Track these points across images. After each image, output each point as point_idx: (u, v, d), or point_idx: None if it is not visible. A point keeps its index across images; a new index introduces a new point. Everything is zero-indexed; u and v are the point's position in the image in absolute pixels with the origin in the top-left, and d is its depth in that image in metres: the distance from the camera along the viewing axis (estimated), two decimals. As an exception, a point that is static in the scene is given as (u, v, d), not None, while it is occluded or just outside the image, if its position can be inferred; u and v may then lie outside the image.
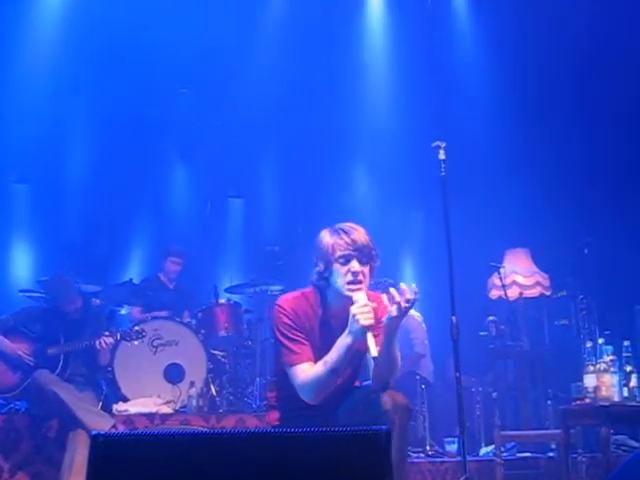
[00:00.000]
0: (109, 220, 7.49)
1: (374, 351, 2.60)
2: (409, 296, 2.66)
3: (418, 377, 5.84)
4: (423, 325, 6.27)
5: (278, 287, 6.74)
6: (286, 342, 2.80)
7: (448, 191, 3.60)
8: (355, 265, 2.78)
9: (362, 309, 2.67)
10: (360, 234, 2.83)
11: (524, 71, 7.40)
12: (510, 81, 7.57)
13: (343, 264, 2.79)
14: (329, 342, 2.82)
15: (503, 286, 6.11)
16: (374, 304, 2.70)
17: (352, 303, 2.81)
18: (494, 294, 6.69)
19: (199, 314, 6.29)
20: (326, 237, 2.84)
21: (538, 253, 6.94)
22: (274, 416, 2.94)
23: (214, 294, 6.29)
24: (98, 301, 5.76)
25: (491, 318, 5.93)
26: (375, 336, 2.66)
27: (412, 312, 6.24)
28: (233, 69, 7.64)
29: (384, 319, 2.72)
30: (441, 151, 3.71)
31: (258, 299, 6.56)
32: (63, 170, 7.59)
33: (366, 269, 2.81)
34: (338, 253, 2.79)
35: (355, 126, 8.18)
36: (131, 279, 6.47)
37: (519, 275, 6.71)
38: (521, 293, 6.66)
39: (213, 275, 7.25)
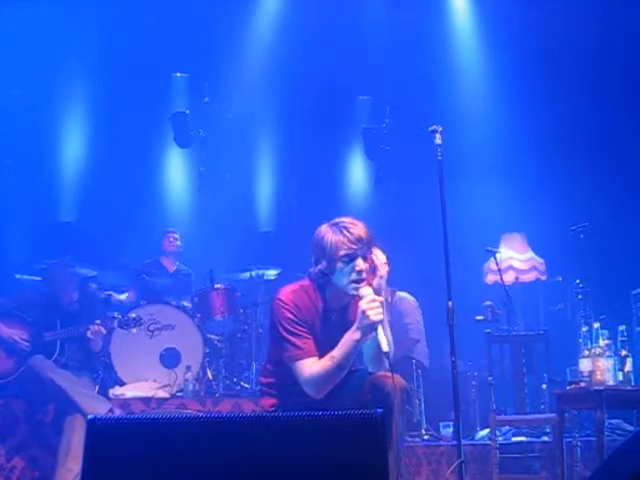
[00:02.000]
0: (106, 201, 7.49)
1: (385, 346, 2.63)
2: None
3: (414, 361, 5.82)
4: (418, 310, 6.23)
5: (275, 271, 6.73)
6: (289, 337, 2.80)
7: (445, 175, 3.58)
8: (360, 263, 2.78)
9: (371, 304, 2.69)
10: (362, 230, 2.82)
11: (522, 50, 7.39)
12: (507, 60, 7.56)
13: (347, 262, 2.78)
14: (330, 338, 2.83)
15: (499, 271, 6.10)
16: (381, 298, 2.72)
17: (352, 299, 2.86)
18: (490, 279, 6.69)
19: (195, 298, 6.29)
20: (328, 235, 2.81)
21: (534, 238, 6.95)
22: (269, 402, 2.95)
23: (210, 278, 6.29)
24: (95, 286, 5.77)
25: (487, 303, 5.92)
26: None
27: (407, 296, 6.28)
28: (226, 50, 7.67)
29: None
30: (437, 135, 3.69)
31: (254, 284, 6.57)
32: (58, 149, 7.54)
33: (368, 265, 2.82)
34: (342, 252, 2.78)
35: (350, 106, 8.16)
36: (127, 263, 6.45)
37: (515, 260, 6.71)
38: (517, 278, 6.68)
39: (209, 259, 7.19)
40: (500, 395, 5.33)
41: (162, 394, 5.50)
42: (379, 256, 2.83)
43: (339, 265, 2.78)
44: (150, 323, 5.77)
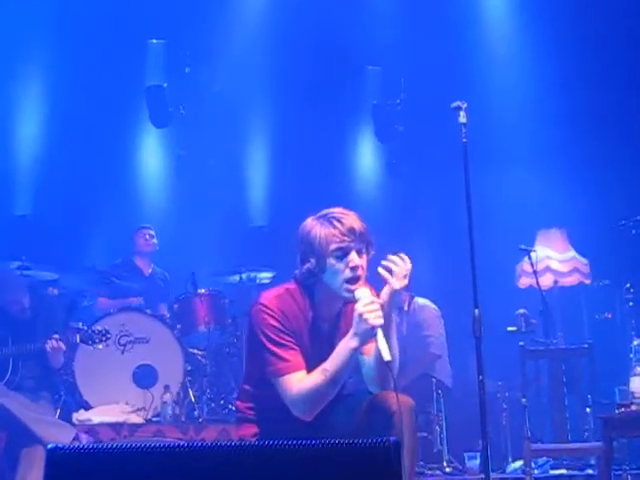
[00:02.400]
0: (68, 191, 7.52)
1: (387, 354, 2.65)
2: (407, 266, 2.78)
3: (434, 380, 5.85)
4: (441, 320, 6.28)
5: (269, 274, 6.76)
6: (274, 348, 2.82)
7: (470, 161, 3.56)
8: (354, 258, 2.82)
9: (370, 307, 2.71)
10: (355, 220, 2.86)
11: (558, 18, 7.40)
12: (541, 28, 7.58)
13: (339, 258, 2.83)
14: (320, 350, 2.87)
15: (535, 273, 6.09)
16: (381, 300, 2.75)
17: (345, 306, 2.90)
18: (524, 282, 6.69)
19: (175, 306, 6.35)
20: (315, 228, 2.86)
21: (576, 234, 6.95)
22: (249, 431, 2.97)
23: (192, 282, 6.35)
24: (55, 291, 5.79)
25: (520, 311, 5.94)
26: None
27: (428, 303, 6.32)
28: (210, 12, 7.66)
29: (381, 296, 2.80)
30: (462, 113, 3.66)
31: (244, 288, 6.62)
32: (10, 130, 7.55)
33: (364, 260, 2.85)
34: (333, 246, 2.82)
35: (358, 78, 8.18)
36: (94, 265, 6.47)
37: (553, 260, 6.71)
38: (556, 281, 6.67)
39: (191, 261, 7.23)
40: (536, 420, 5.30)
41: (135, 419, 5.52)
42: (401, 261, 2.83)
43: (330, 262, 2.82)
44: (121, 335, 5.81)
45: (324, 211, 2.91)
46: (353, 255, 2.82)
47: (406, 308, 6.28)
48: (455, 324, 6.08)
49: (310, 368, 2.82)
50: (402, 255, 2.79)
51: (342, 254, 2.83)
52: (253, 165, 8.43)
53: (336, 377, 2.76)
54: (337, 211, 2.89)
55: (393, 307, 2.81)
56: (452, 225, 7.48)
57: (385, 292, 2.79)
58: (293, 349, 2.83)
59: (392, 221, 7.65)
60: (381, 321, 2.69)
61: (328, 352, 2.81)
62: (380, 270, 2.78)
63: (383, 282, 2.81)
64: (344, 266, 2.82)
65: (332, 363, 2.76)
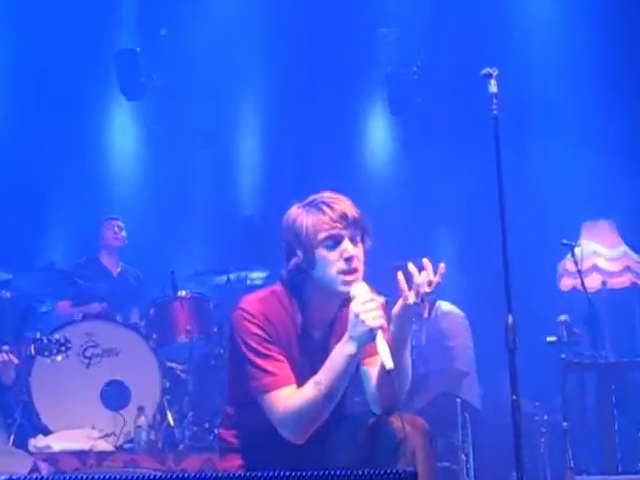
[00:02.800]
0: (20, 175, 7.53)
1: (389, 361, 2.66)
2: (432, 278, 2.75)
3: (459, 401, 5.75)
4: (468, 330, 6.32)
5: (261, 274, 6.78)
6: (257, 360, 2.87)
7: (502, 139, 3.52)
8: (348, 247, 2.87)
9: (368, 305, 2.74)
10: (347, 205, 2.92)
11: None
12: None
13: (330, 248, 2.88)
14: (311, 359, 2.92)
15: (579, 272, 6.05)
16: (381, 298, 2.81)
17: (338, 303, 2.95)
18: (566, 284, 6.66)
19: (150, 311, 6.36)
20: (301, 216, 2.92)
21: (628, 226, 6.93)
22: (234, 462, 3.02)
23: (170, 283, 6.36)
24: (8, 294, 5.81)
25: (562, 318, 5.86)
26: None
27: (453, 309, 6.31)
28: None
29: (394, 310, 2.82)
30: (492, 82, 3.61)
31: (233, 291, 6.62)
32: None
33: (360, 251, 2.92)
34: (322, 234, 2.88)
35: (369, 42, 8.19)
36: (52, 263, 6.46)
37: (601, 257, 6.65)
38: (604, 282, 6.61)
39: (170, 258, 7.30)
40: (580, 447, 5.34)
41: (104, 446, 5.51)
42: (426, 271, 2.81)
43: (320, 253, 2.88)
44: (86, 347, 5.80)
45: (311, 197, 2.96)
46: (346, 243, 2.87)
47: (426, 315, 6.14)
48: (484, 334, 6.02)
49: (301, 382, 2.85)
50: (427, 263, 2.78)
51: (333, 243, 2.88)
52: (243, 144, 8.46)
53: (331, 390, 2.78)
54: (326, 195, 2.95)
55: (406, 325, 2.83)
56: (480, 215, 7.47)
57: (397, 306, 2.81)
58: (280, 361, 2.87)
59: (408, 210, 7.73)
60: (381, 322, 2.72)
61: (321, 363, 2.84)
62: (400, 277, 2.78)
63: (398, 292, 2.82)
64: (337, 256, 2.87)
65: (326, 373, 2.79)
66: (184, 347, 6.30)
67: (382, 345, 2.70)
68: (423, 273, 2.76)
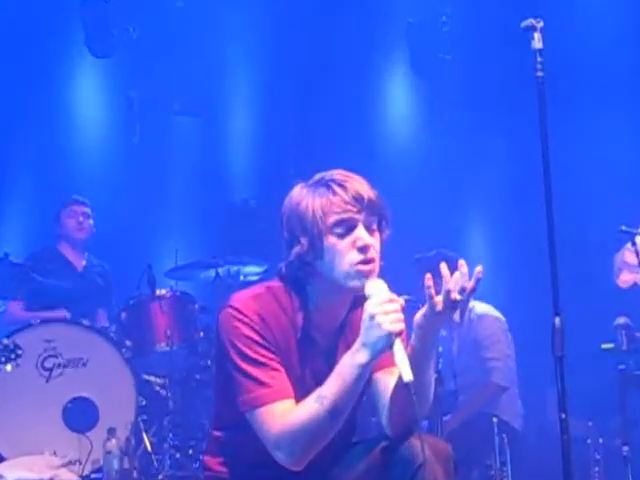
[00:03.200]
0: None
1: (408, 372, 2.68)
2: (467, 284, 2.78)
3: (496, 421, 5.69)
4: (508, 336, 6.35)
5: (257, 268, 6.77)
6: (248, 368, 2.89)
7: (548, 104, 3.48)
8: (362, 234, 2.90)
9: (386, 306, 2.74)
10: (362, 184, 2.96)
11: None
12: None
13: (341, 235, 2.90)
14: (313, 369, 2.99)
15: (641, 265, 6.03)
16: (401, 299, 2.80)
17: (349, 303, 3.00)
18: (626, 279, 6.64)
19: (123, 314, 6.37)
20: (307, 198, 2.96)
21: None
22: None
23: (148, 280, 6.35)
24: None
25: (620, 320, 5.86)
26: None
27: (490, 311, 6.35)
28: None
29: (417, 318, 2.85)
30: (536, 36, 3.57)
31: (223, 288, 6.62)
32: None
33: (377, 241, 2.95)
34: (332, 218, 2.90)
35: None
36: (6, 254, 6.36)
37: (669, 248, 6.66)
38: (672, 277, 6.64)
39: (147, 248, 7.35)
40: (644, 477, 5.34)
41: (67, 476, 5.48)
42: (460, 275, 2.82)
43: (329, 241, 2.90)
44: (46, 356, 5.79)
45: (318, 175, 2.99)
46: (361, 230, 2.89)
47: (458, 319, 6.21)
48: (527, 340, 6.12)
49: (300, 396, 2.86)
50: (463, 265, 2.79)
51: (345, 229, 2.89)
52: (236, 112, 8.50)
53: (337, 406, 2.78)
54: (337, 173, 2.96)
55: (433, 336, 2.87)
56: (520, 197, 7.54)
57: (421, 314, 2.84)
58: (276, 370, 2.90)
59: (433, 192, 7.78)
60: (401, 326, 2.72)
61: (325, 374, 2.86)
62: (428, 281, 2.78)
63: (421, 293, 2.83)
64: (349, 245, 2.88)
65: (331, 386, 2.79)
66: (164, 357, 6.24)
67: (400, 353, 2.70)
68: (456, 276, 2.77)
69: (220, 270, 6.67)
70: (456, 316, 6.85)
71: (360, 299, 2.87)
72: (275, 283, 3.02)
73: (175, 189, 7.88)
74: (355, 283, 2.86)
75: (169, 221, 7.71)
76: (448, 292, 2.75)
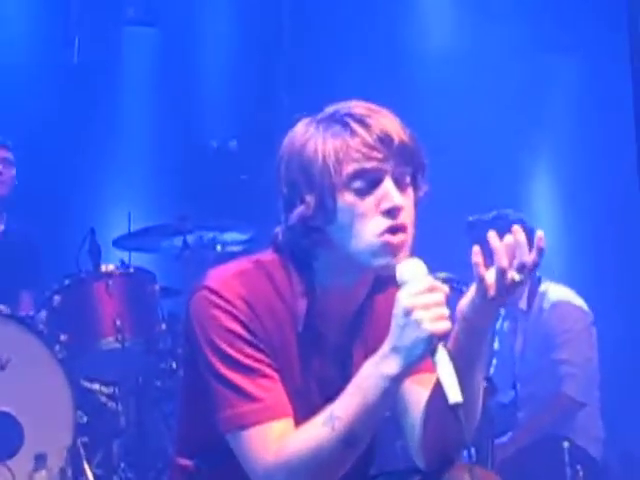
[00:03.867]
0: None
1: (456, 392, 2.67)
2: (527, 256, 2.75)
3: (567, 446, 5.78)
4: (591, 330, 6.37)
5: (240, 235, 6.79)
6: (232, 374, 2.90)
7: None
8: (392, 191, 2.88)
9: (427, 297, 2.73)
10: (392, 122, 2.93)
11: None
12: None
13: (362, 192, 2.89)
14: (319, 375, 3.02)
15: None
16: (445, 286, 2.79)
17: (369, 283, 3.01)
18: None
19: (56, 298, 6.32)
20: (315, 138, 2.93)
21: None
22: None
23: (91, 251, 6.40)
24: None
25: None
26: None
27: (566, 296, 6.36)
28: None
29: (461, 306, 2.86)
30: None
31: (194, 263, 6.71)
32: None
33: (410, 200, 2.94)
34: (352, 168, 2.88)
35: None
36: None
37: None
38: None
39: (90, 209, 7.39)
40: None
41: (-23, 522, 5.54)
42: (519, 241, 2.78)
43: (345, 199, 2.88)
44: (-50, 355, 5.84)
45: (330, 108, 2.97)
46: (389, 185, 2.86)
47: (524, 306, 6.32)
48: (612, 338, 6.19)
49: (301, 414, 2.89)
50: (518, 231, 2.75)
51: (368, 184, 2.87)
52: (209, 19, 8.55)
53: (354, 432, 2.79)
54: (356, 106, 2.94)
55: (483, 330, 2.88)
56: (600, 141, 7.46)
57: (467, 300, 2.84)
58: (269, 377, 2.90)
59: (484, 132, 7.87)
60: (447, 326, 2.70)
61: (336, 384, 2.90)
62: (476, 255, 2.76)
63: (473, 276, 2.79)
64: (372, 206, 2.86)
65: (347, 404, 2.79)
66: (112, 357, 6.24)
67: (445, 363, 2.68)
68: (507, 241, 2.74)
69: (189, 238, 6.72)
70: (522, 303, 6.85)
71: (386, 279, 2.90)
72: (268, 256, 3.02)
73: (127, 127, 7.97)
74: (380, 261, 2.84)
75: (120, 171, 7.79)
76: (502, 271, 2.71)
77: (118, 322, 6.19)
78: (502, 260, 2.70)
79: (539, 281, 6.30)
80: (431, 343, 2.67)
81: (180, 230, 6.67)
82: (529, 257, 2.73)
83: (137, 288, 6.40)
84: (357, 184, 2.85)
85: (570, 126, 8.15)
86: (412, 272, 2.76)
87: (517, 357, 6.23)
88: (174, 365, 6.34)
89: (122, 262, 6.48)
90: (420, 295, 2.69)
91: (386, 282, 2.92)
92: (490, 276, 2.74)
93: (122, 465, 6.02)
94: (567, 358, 6.19)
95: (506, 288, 2.73)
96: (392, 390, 2.78)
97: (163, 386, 6.39)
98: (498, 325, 6.37)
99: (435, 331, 2.66)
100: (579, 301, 6.33)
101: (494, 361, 6.41)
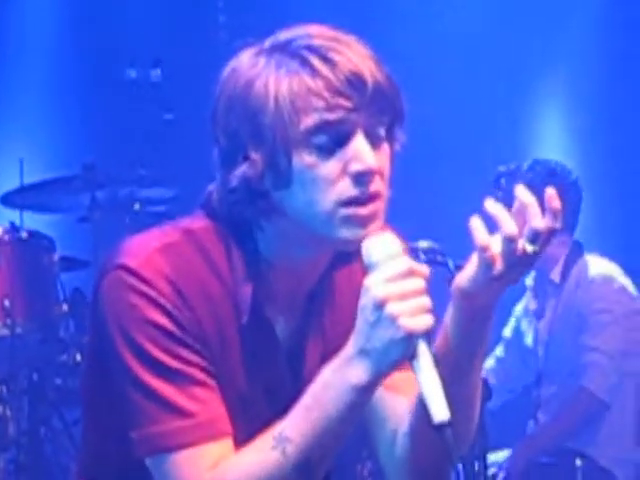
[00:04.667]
0: None
1: (442, 409, 2.65)
2: (539, 221, 2.67)
3: (580, 464, 5.88)
4: (634, 317, 6.46)
5: (162, 191, 6.74)
6: (155, 381, 2.86)
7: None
8: (363, 151, 2.83)
9: (403, 284, 2.69)
10: (363, 57, 2.89)
11: None
12: None
13: (326, 151, 2.84)
14: (267, 378, 3.01)
15: None
16: (425, 267, 2.78)
17: (326, 259, 3.01)
18: None
19: None
20: (266, 74, 2.88)
21: None
22: None
23: None
24: None
25: None
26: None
27: (607, 269, 6.55)
28: None
29: (458, 284, 2.82)
30: None
31: (104, 227, 6.82)
32: None
33: (385, 159, 2.90)
34: (312, 119, 2.83)
35: None
36: None
37: None
38: None
39: None
40: None
41: None
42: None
43: (304, 159, 2.83)
44: None
45: (283, 34, 2.91)
46: (360, 143, 2.81)
47: (557, 277, 6.38)
48: None
49: (244, 430, 2.88)
50: (522, 191, 2.71)
51: (334, 140, 2.83)
52: None
53: (310, 458, 2.79)
54: (317, 35, 2.89)
55: (484, 322, 2.86)
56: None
57: (464, 278, 2.78)
58: (203, 384, 2.88)
59: (468, 67, 8.05)
60: (428, 323, 2.67)
61: (289, 391, 2.92)
62: (473, 222, 2.69)
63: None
64: (338, 169, 2.81)
65: (301, 422, 2.79)
66: None
67: (428, 372, 2.66)
68: (516, 208, 2.69)
69: (99, 194, 6.64)
70: (555, 274, 6.98)
71: (347, 253, 2.92)
72: (199, 222, 2.98)
73: (21, 52, 8.01)
74: (344, 234, 2.81)
75: (10, 107, 7.82)
76: (509, 239, 2.63)
77: (6, 302, 6.22)
78: (507, 225, 2.62)
79: (580, 249, 6.37)
80: (410, 344, 2.63)
81: (87, 184, 6.58)
82: (542, 222, 2.64)
83: (31, 259, 6.40)
84: (319, 140, 2.79)
85: (588, 63, 8.25)
86: (384, 251, 2.72)
87: (545, 342, 6.29)
88: (78, 357, 6.32)
89: (12, 225, 6.40)
90: (394, 282, 2.65)
91: (347, 256, 2.92)
92: (495, 245, 2.66)
93: (12, 481, 5.99)
94: (597, 345, 6.23)
95: (517, 262, 2.67)
96: (359, 403, 2.74)
97: (64, 385, 6.39)
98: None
99: (415, 329, 2.61)
100: (624, 279, 6.40)
101: (501, 353, 6.52)
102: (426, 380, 2.64)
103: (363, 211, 2.81)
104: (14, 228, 6.38)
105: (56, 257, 6.41)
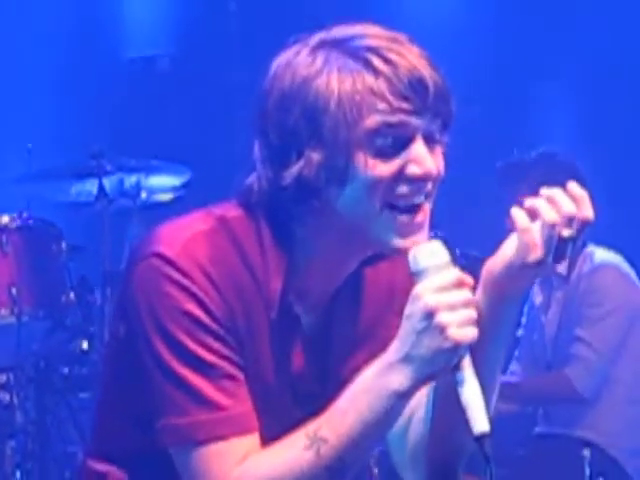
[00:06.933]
0: None
1: (483, 420, 2.69)
2: (574, 209, 2.73)
3: (588, 455, 5.87)
4: (635, 307, 6.45)
5: (173, 179, 6.65)
6: (187, 372, 2.86)
7: None
8: (423, 156, 2.85)
9: (451, 296, 2.73)
10: (421, 58, 2.88)
11: None
12: None
13: (385, 154, 2.85)
14: (293, 374, 3.02)
15: None
16: (469, 278, 2.81)
17: (361, 256, 3.00)
18: None
19: None
20: (324, 73, 2.87)
21: None
22: None
23: None
24: None
25: None
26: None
27: (609, 258, 6.54)
28: None
29: (489, 271, 2.86)
30: None
31: (111, 214, 6.72)
32: None
33: (440, 162, 2.92)
34: (374, 120, 2.82)
35: None
36: None
37: None
38: None
39: None
40: None
41: None
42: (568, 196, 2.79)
43: (360, 159, 2.84)
44: None
45: (336, 31, 2.92)
46: (420, 148, 2.83)
47: (563, 269, 6.30)
48: None
49: (269, 427, 2.89)
50: (574, 187, 2.75)
51: (394, 143, 2.83)
52: None
53: (344, 459, 2.80)
54: (373, 34, 2.89)
55: (513, 311, 2.92)
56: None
57: (502, 260, 2.81)
58: (233, 378, 2.89)
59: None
60: (473, 334, 2.72)
61: (315, 388, 2.98)
62: (514, 212, 2.77)
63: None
64: (394, 172, 2.81)
65: (338, 423, 2.80)
66: (5, 335, 6.28)
67: (472, 383, 2.71)
68: (556, 199, 2.72)
69: (106, 182, 6.63)
70: (561, 266, 6.98)
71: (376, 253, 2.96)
72: (233, 211, 2.99)
73: (27, 38, 8.00)
74: (395, 240, 2.84)
75: (17, 94, 7.77)
76: (551, 226, 2.69)
77: (13, 290, 6.22)
78: (549, 212, 2.68)
79: (583, 242, 6.28)
80: (455, 355, 2.68)
81: (94, 171, 6.61)
82: (579, 212, 2.72)
83: (38, 246, 6.42)
84: (379, 141, 2.80)
85: (591, 62, 8.36)
86: (432, 260, 2.73)
87: (552, 335, 6.33)
88: (85, 346, 6.33)
89: (19, 212, 6.40)
90: (445, 292, 2.67)
91: (375, 256, 2.93)
92: (536, 231, 2.70)
93: (18, 473, 6.02)
94: (584, 337, 6.27)
95: (556, 248, 2.72)
96: (396, 409, 2.77)
97: (71, 373, 6.41)
98: None
99: (462, 340, 2.66)
100: (626, 267, 6.45)
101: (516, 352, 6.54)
102: (468, 391, 2.68)
103: (415, 218, 2.83)
104: (21, 216, 6.40)
105: (64, 245, 6.43)
